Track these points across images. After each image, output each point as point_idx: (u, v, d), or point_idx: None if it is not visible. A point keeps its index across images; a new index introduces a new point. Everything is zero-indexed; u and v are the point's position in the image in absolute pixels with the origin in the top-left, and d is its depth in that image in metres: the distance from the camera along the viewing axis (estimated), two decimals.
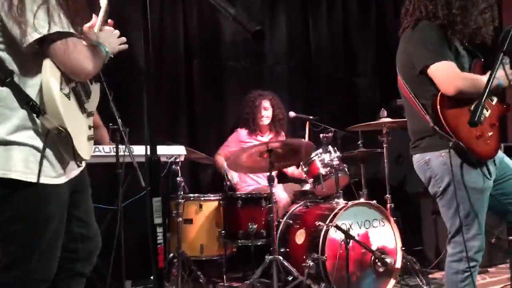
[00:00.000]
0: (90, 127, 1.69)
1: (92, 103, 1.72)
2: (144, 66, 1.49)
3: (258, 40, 1.08)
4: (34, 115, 1.44)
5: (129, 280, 3.33)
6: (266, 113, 4.25)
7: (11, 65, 1.46)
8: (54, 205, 1.52)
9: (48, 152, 1.49)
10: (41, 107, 1.44)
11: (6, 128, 1.44)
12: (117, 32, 1.78)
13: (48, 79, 1.43)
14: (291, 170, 4.32)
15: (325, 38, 5.16)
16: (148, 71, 1.36)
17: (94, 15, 1.77)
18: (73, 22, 1.49)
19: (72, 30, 1.47)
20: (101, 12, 1.78)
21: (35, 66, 1.46)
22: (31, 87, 1.46)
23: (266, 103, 4.26)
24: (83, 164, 1.69)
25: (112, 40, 1.72)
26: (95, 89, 1.74)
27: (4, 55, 1.46)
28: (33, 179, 1.45)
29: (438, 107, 2.06)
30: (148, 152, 1.26)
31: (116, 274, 2.65)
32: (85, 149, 1.61)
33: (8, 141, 1.44)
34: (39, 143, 1.46)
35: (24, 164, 1.44)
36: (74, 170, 1.64)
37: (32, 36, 1.39)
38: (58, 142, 1.50)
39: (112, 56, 1.70)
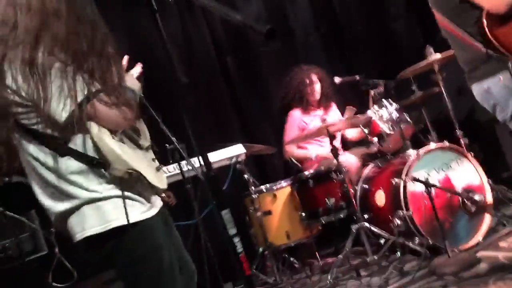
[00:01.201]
0: (153, 159, 1.74)
1: (145, 138, 1.77)
2: (178, 86, 1.51)
3: (271, 38, 1.05)
4: (102, 169, 1.50)
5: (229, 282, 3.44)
6: (317, 87, 4.16)
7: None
8: (158, 236, 1.58)
9: (131, 194, 1.55)
10: (104, 160, 1.49)
11: (86, 191, 1.50)
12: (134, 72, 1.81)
13: (98, 134, 1.48)
14: (351, 135, 4.23)
15: None
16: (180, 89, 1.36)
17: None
18: (100, 78, 1.51)
19: (100, 87, 1.49)
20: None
21: (81, 128, 1.49)
22: (87, 147, 1.51)
23: (314, 77, 4.15)
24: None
25: (135, 81, 1.75)
26: (141, 125, 1.80)
27: (50, 131, 1.50)
28: (131, 219, 1.51)
29: (487, 29, 1.94)
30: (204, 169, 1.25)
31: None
32: (159, 180, 1.66)
33: (93, 199, 1.51)
34: (119, 191, 1.52)
35: (118, 211, 1.51)
36: (158, 200, 1.70)
37: (67, 107, 1.43)
38: (134, 184, 1.56)
39: (142, 95, 1.74)
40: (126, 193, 1.53)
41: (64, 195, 1.52)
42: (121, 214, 1.51)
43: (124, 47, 1.94)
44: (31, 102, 1.45)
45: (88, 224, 1.50)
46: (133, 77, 1.78)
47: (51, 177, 1.52)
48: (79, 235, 1.51)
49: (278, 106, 4.35)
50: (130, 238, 1.51)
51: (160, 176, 1.70)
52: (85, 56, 1.50)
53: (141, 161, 1.61)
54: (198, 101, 4.28)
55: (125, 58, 1.87)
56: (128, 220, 1.49)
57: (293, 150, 4.13)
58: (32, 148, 1.52)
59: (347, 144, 4.33)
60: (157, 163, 1.72)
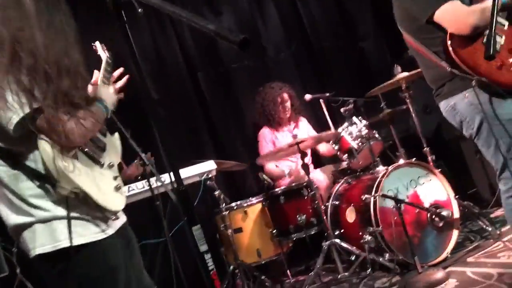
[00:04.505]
0: (115, 178, 1.67)
1: (111, 155, 1.71)
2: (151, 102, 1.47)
3: (246, 48, 1.03)
4: (50, 186, 1.46)
5: None
6: (287, 105, 4.23)
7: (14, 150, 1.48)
8: (112, 257, 1.54)
9: (83, 214, 1.51)
10: (52, 177, 1.45)
11: (38, 209, 1.46)
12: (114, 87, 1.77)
13: (45, 150, 1.44)
14: (323, 149, 4.26)
15: (318, 12, 5.08)
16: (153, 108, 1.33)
17: (95, 71, 1.78)
18: (58, 91, 1.46)
19: (51, 102, 1.43)
20: (103, 65, 1.79)
21: (33, 143, 1.46)
22: (38, 162, 1.47)
23: (285, 96, 4.22)
24: (122, 218, 1.69)
25: (110, 93, 1.72)
26: (111, 140, 1.74)
27: (6, 146, 1.48)
28: (83, 240, 1.47)
29: (451, 49, 2.00)
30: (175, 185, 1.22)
31: None
32: (114, 201, 1.60)
33: (46, 218, 1.47)
34: (68, 211, 1.48)
35: (69, 230, 1.46)
36: (117, 221, 1.64)
37: (12, 121, 1.39)
38: (81, 205, 1.51)
39: (114, 110, 1.70)
40: (78, 214, 1.49)
41: (18, 210, 1.49)
42: (73, 233, 1.46)
43: (93, 62, 1.89)
44: None
45: (39, 242, 1.47)
46: (108, 90, 1.73)
47: (7, 191, 1.49)
48: (32, 252, 1.49)
49: (252, 122, 4.38)
50: (81, 260, 1.48)
51: (117, 197, 1.64)
52: (36, 69, 1.44)
53: (94, 179, 1.55)
54: (169, 117, 4.24)
55: (119, 70, 1.83)
56: (71, 242, 1.45)
57: (267, 166, 4.13)
58: None
59: (318, 161, 4.36)
60: (118, 182, 1.66)
